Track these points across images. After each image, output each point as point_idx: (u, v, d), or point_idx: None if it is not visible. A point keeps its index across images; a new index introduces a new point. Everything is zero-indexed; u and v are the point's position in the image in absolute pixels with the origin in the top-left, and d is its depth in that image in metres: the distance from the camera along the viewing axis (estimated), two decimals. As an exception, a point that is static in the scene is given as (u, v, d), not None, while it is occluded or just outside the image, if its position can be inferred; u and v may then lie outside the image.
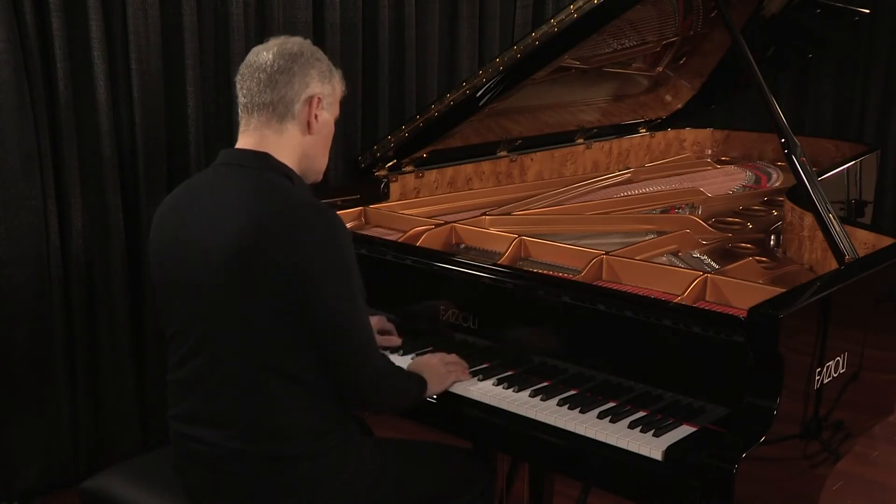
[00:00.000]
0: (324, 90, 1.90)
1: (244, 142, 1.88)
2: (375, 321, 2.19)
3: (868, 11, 3.70)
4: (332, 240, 1.76)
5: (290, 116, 1.86)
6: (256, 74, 1.85)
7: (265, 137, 1.86)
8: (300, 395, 1.80)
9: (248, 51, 3.36)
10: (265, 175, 1.82)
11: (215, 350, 1.80)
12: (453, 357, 2.11)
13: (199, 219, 1.81)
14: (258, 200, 1.77)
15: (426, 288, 2.30)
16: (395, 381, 1.92)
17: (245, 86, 1.86)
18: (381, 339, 2.17)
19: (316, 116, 1.89)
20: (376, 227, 2.68)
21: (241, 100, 1.88)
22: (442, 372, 2.05)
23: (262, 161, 1.84)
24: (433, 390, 2.01)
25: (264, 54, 1.86)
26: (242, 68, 1.88)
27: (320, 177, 1.99)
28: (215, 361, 1.80)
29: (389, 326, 2.29)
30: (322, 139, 1.93)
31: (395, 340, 2.24)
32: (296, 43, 1.90)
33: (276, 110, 1.85)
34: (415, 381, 1.98)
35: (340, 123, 3.75)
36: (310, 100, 1.87)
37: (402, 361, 2.12)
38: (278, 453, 1.80)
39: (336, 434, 1.85)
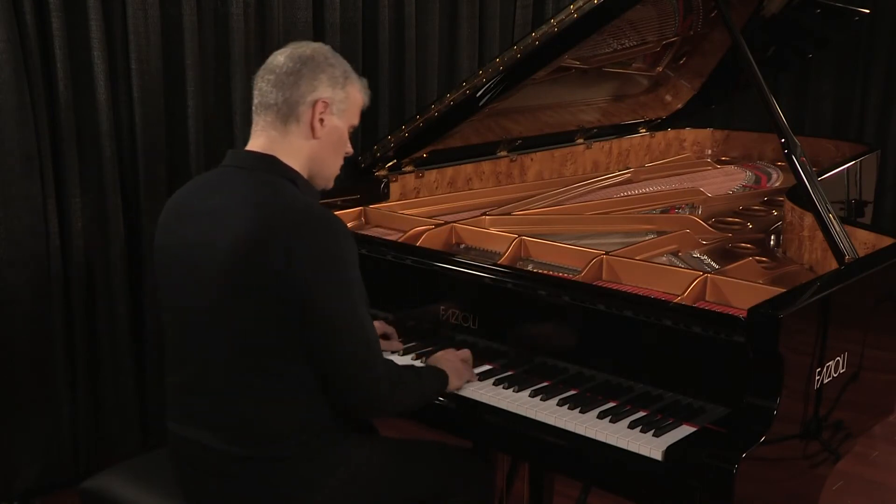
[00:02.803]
0: (334, 95, 1.89)
1: (253, 143, 1.89)
2: (377, 326, 2.19)
3: (868, 11, 3.70)
4: (332, 246, 1.75)
5: (293, 118, 1.86)
6: (267, 76, 1.87)
7: (271, 139, 1.87)
8: (298, 396, 1.80)
9: (248, 51, 3.40)
10: (269, 179, 1.82)
11: (213, 353, 1.79)
12: (465, 353, 2.11)
13: (201, 221, 1.81)
14: (259, 205, 1.77)
15: (426, 288, 2.30)
16: (404, 385, 1.88)
17: (257, 87, 1.88)
18: (382, 344, 2.17)
19: (322, 121, 1.87)
20: (376, 227, 2.68)
21: (254, 101, 1.89)
22: (459, 366, 2.04)
23: (267, 164, 1.84)
24: (454, 385, 2.00)
25: (279, 57, 1.88)
26: (259, 70, 1.90)
27: (330, 183, 1.98)
28: (212, 364, 1.80)
29: (390, 330, 2.28)
30: (330, 145, 1.92)
31: (396, 345, 2.24)
32: (310, 47, 1.90)
33: (281, 111, 1.85)
34: (431, 376, 1.97)
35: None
36: (315, 103, 1.86)
37: (401, 362, 2.12)
38: (276, 454, 1.79)
39: (334, 432, 1.84)
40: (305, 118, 1.87)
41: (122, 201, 3.09)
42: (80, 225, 3.01)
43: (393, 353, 2.20)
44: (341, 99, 1.90)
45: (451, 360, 2.05)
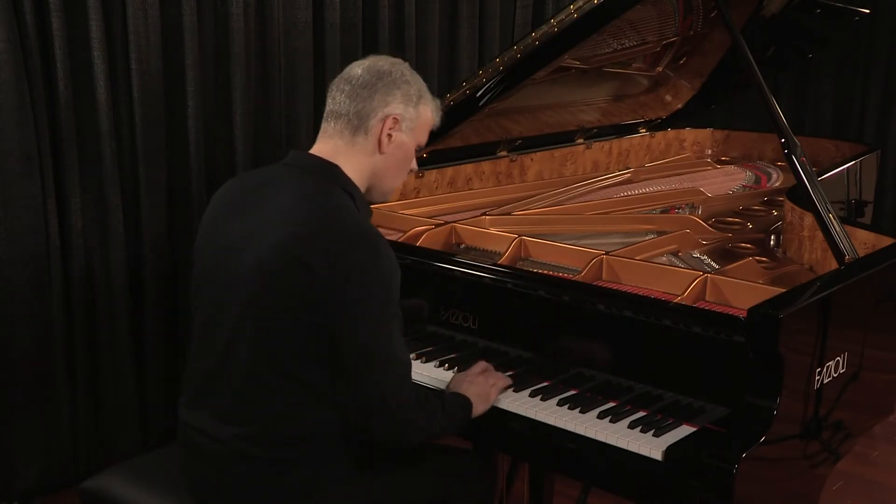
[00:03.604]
0: (405, 112, 1.90)
1: (318, 148, 1.90)
2: None
3: (868, 11, 3.70)
4: (373, 267, 1.75)
5: (362, 131, 1.87)
6: (342, 85, 1.88)
7: (337, 148, 1.88)
8: (318, 406, 1.79)
9: (248, 51, 3.40)
10: (327, 187, 1.82)
11: (238, 349, 1.79)
12: (485, 366, 2.06)
13: (249, 216, 1.82)
14: (310, 212, 1.77)
15: (426, 288, 2.30)
16: (431, 412, 1.85)
17: (331, 94, 1.90)
18: None
19: (390, 136, 1.89)
20: (376, 227, 2.68)
21: (327, 107, 1.91)
22: (485, 388, 1.98)
23: (328, 171, 1.85)
24: (479, 410, 1.95)
25: (356, 69, 1.90)
26: (336, 79, 1.92)
27: (386, 198, 2.00)
28: (235, 360, 1.80)
29: None
30: (394, 161, 1.93)
31: None
32: (388, 62, 1.92)
33: (351, 122, 1.87)
34: (458, 405, 1.92)
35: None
36: (385, 118, 1.88)
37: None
38: (280, 456, 1.80)
39: (341, 440, 1.84)
40: (374, 132, 1.88)
41: (122, 201, 3.09)
42: (80, 225, 3.01)
43: None
44: (412, 117, 1.91)
45: (476, 383, 1.99)
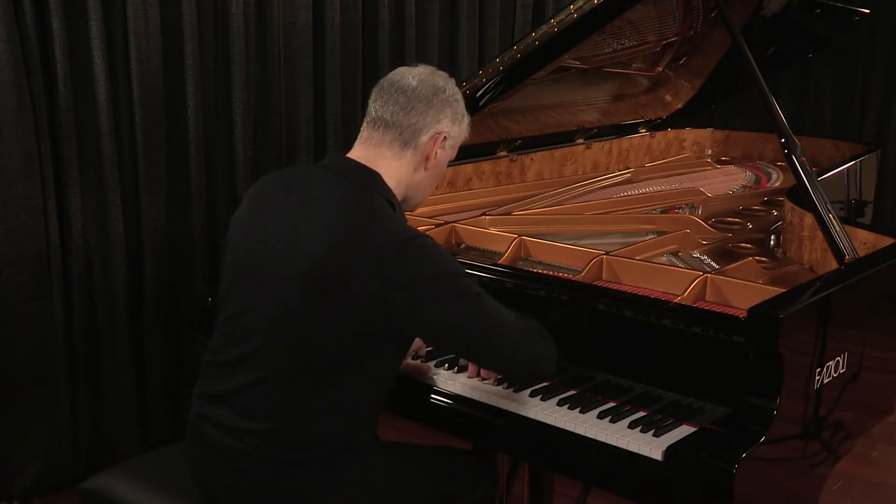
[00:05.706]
0: (451, 131, 1.92)
1: (359, 154, 1.89)
2: None
3: (868, 11, 3.70)
4: (431, 263, 1.75)
5: (412, 145, 1.88)
6: (396, 95, 1.88)
7: (381, 156, 1.87)
8: (337, 413, 1.79)
9: (248, 51, 3.40)
10: (368, 194, 1.81)
11: (271, 351, 1.78)
12: None
13: (289, 217, 1.80)
14: (352, 218, 1.76)
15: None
16: (547, 336, 1.90)
17: (381, 100, 1.89)
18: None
19: (436, 154, 1.91)
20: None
21: (371, 112, 1.90)
22: None
23: (370, 179, 1.84)
24: None
25: (410, 79, 1.90)
26: (384, 83, 1.91)
27: (415, 209, 2.02)
28: (267, 361, 1.78)
29: None
30: (432, 176, 1.95)
31: (423, 348, 2.20)
32: (442, 77, 1.94)
33: (403, 135, 1.87)
34: None
35: (340, 124, 3.78)
36: (437, 136, 1.89)
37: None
38: (294, 459, 1.79)
39: (355, 448, 1.84)
40: (424, 148, 1.89)
41: (122, 201, 3.09)
42: (80, 225, 3.01)
43: (417, 357, 2.17)
44: (456, 135, 1.95)
45: None
